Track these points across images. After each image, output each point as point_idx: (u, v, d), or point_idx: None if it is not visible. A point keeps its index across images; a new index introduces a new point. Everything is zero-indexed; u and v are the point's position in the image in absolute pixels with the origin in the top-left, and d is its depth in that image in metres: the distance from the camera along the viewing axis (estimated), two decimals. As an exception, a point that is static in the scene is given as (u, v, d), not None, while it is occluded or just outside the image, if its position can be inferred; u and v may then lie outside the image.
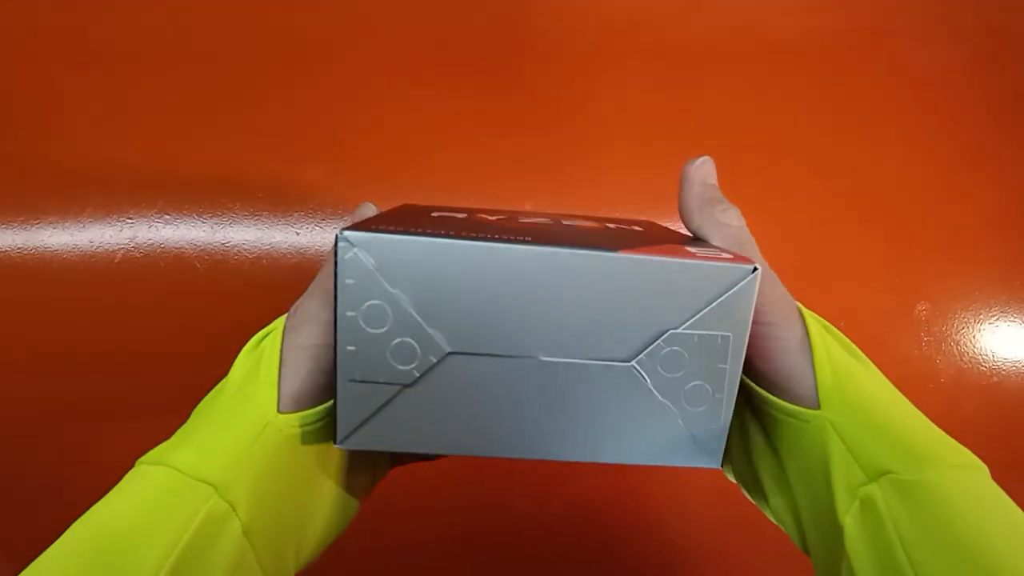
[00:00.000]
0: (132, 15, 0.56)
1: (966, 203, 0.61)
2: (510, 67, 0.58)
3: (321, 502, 0.27)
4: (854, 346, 0.26)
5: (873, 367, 0.26)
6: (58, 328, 0.51)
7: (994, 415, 0.57)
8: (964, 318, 0.59)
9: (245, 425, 0.23)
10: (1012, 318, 0.59)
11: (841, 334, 0.26)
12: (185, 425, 0.26)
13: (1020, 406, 0.58)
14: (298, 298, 0.27)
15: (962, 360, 0.58)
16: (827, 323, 0.27)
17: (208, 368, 0.50)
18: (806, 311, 0.26)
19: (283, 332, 0.25)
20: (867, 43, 0.64)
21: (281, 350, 0.25)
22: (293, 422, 0.24)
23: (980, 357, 0.58)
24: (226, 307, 0.51)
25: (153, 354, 0.51)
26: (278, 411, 0.23)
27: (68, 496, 0.48)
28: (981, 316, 0.59)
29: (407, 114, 0.56)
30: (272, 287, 0.52)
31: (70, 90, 0.54)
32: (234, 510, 0.22)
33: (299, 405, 0.24)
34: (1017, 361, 0.59)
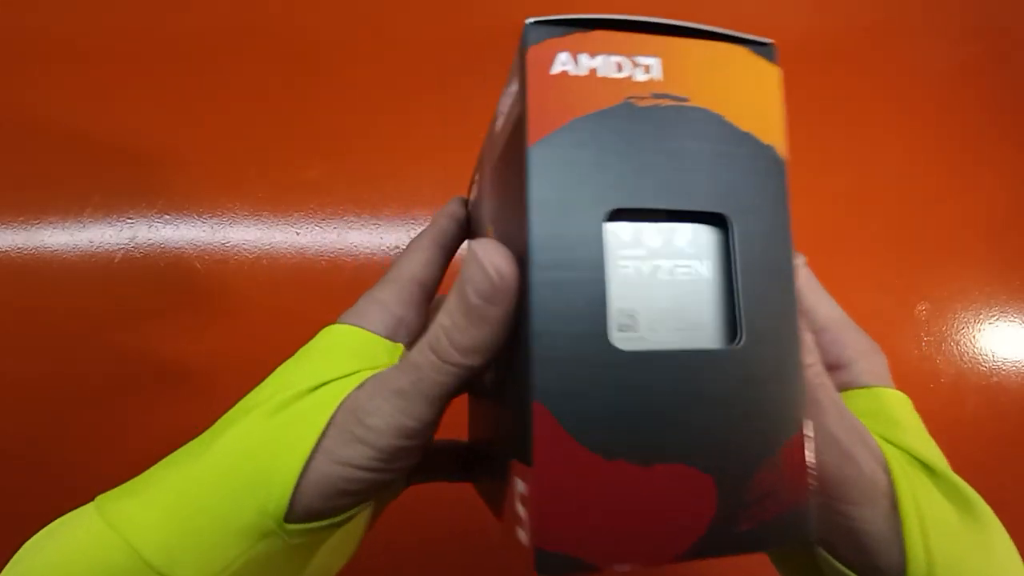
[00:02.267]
0: (132, 15, 0.56)
1: (966, 203, 0.61)
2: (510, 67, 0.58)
3: (318, 566, 0.23)
4: (962, 489, 0.20)
5: (986, 521, 0.20)
6: (58, 328, 0.51)
7: (994, 415, 0.57)
8: (964, 318, 0.59)
9: (241, 526, 0.18)
10: (1012, 318, 0.59)
11: (939, 470, 0.20)
12: (159, 477, 0.20)
13: (1020, 406, 0.57)
14: (366, 378, 0.20)
15: (962, 360, 0.58)
16: (926, 458, 0.21)
17: (208, 368, 0.51)
18: (899, 458, 0.20)
19: (324, 429, 0.19)
20: (867, 43, 0.64)
21: (312, 454, 0.19)
22: (299, 533, 0.19)
23: (980, 357, 0.58)
24: (226, 307, 0.51)
25: (153, 354, 0.51)
26: (284, 521, 0.19)
27: (67, 494, 0.48)
28: (981, 316, 0.59)
29: (407, 114, 0.56)
30: (272, 287, 0.52)
31: (70, 90, 0.54)
32: None
33: (311, 518, 0.19)
34: (1017, 361, 0.58)
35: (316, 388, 0.20)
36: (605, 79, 0.17)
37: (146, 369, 0.50)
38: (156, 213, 0.53)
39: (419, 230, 0.58)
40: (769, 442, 0.17)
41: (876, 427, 0.21)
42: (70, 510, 0.21)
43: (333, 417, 0.19)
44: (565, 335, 0.16)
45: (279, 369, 0.22)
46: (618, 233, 0.18)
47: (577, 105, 0.17)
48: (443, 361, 0.18)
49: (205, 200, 0.53)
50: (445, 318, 0.18)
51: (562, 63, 0.17)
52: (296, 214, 0.53)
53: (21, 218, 0.52)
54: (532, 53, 0.17)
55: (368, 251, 0.53)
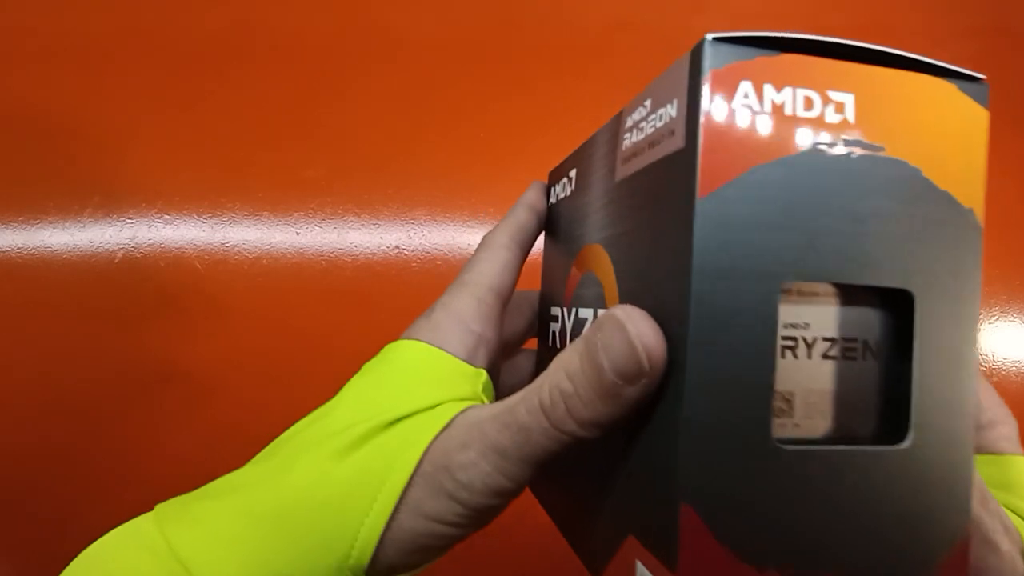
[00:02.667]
0: (132, 15, 0.56)
1: (966, 203, 0.61)
2: (511, 67, 0.58)
3: None
4: None
5: None
6: (58, 328, 0.51)
7: (994, 415, 0.57)
8: (964, 318, 0.59)
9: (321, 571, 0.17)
10: (1012, 318, 0.59)
11: None
12: (227, 508, 0.18)
13: (1020, 406, 0.57)
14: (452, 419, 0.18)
15: (962, 360, 0.58)
16: None
17: (208, 367, 0.51)
18: None
19: (410, 478, 0.17)
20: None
21: (398, 505, 0.17)
22: None
23: (980, 357, 0.58)
24: (226, 307, 0.51)
25: (152, 353, 0.51)
26: (365, 572, 0.17)
27: (65, 494, 0.48)
28: (981, 316, 0.59)
29: (408, 114, 0.56)
30: (272, 287, 0.52)
31: (70, 90, 0.54)
32: None
33: (390, 573, 0.18)
34: (1017, 361, 0.58)
35: (395, 422, 0.18)
36: (792, 118, 0.15)
37: (146, 368, 0.50)
38: (156, 213, 0.53)
39: (419, 230, 0.57)
40: (928, 555, 0.15)
41: (1007, 499, 0.20)
42: (68, 505, 0.21)
43: (420, 464, 0.17)
44: (720, 426, 0.14)
45: (348, 389, 0.20)
46: (781, 308, 0.15)
47: (759, 150, 0.14)
48: (557, 429, 0.16)
49: (205, 200, 0.53)
50: (566, 382, 0.16)
51: (743, 95, 0.14)
52: (296, 214, 0.53)
53: (21, 218, 0.52)
54: (713, 80, 0.14)
55: (368, 251, 0.53)
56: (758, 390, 0.14)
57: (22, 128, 0.53)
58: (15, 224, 0.52)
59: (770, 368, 0.14)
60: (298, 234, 0.53)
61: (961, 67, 0.16)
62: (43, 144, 0.53)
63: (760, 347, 0.14)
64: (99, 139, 0.53)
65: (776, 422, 0.15)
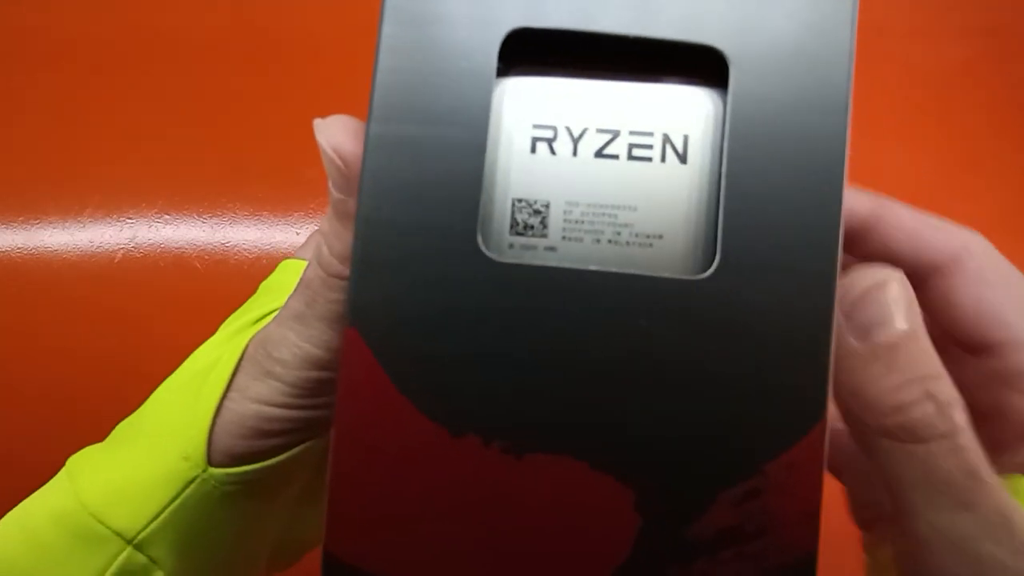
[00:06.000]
0: (131, 15, 0.56)
1: (966, 203, 0.61)
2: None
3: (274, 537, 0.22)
4: None
5: None
6: (58, 328, 0.51)
7: (994, 415, 0.57)
8: (964, 318, 0.59)
9: (167, 472, 0.18)
10: (1012, 318, 0.59)
11: None
12: (124, 426, 0.21)
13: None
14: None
15: (962, 360, 0.58)
16: None
17: (208, 368, 0.51)
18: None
19: (237, 364, 0.18)
20: (867, 42, 0.64)
21: (225, 391, 0.18)
22: (227, 478, 0.18)
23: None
24: (226, 307, 0.51)
25: (153, 354, 0.51)
26: (208, 464, 0.18)
27: (68, 496, 0.48)
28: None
29: (407, 114, 0.56)
30: (272, 287, 0.52)
31: (70, 90, 0.54)
32: (155, 563, 0.18)
33: (235, 462, 0.18)
34: (1017, 361, 0.58)
35: (257, 321, 0.20)
36: None
37: (146, 369, 0.50)
38: (156, 213, 0.53)
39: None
40: (749, 447, 0.10)
41: None
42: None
43: (245, 350, 0.18)
44: (409, 228, 0.11)
45: (244, 305, 0.22)
46: (532, 82, 0.12)
47: None
48: (327, 273, 0.15)
49: (205, 200, 0.53)
50: (324, 221, 0.15)
51: None
52: (296, 214, 0.53)
53: (21, 218, 0.52)
54: None
55: (368, 251, 0.54)
56: (464, 181, 0.11)
57: (22, 128, 0.53)
58: (15, 224, 0.52)
59: (480, 149, 0.11)
60: (298, 234, 0.53)
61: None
62: (43, 144, 0.53)
63: (470, 121, 0.11)
64: (99, 139, 0.53)
65: (520, 242, 0.12)
